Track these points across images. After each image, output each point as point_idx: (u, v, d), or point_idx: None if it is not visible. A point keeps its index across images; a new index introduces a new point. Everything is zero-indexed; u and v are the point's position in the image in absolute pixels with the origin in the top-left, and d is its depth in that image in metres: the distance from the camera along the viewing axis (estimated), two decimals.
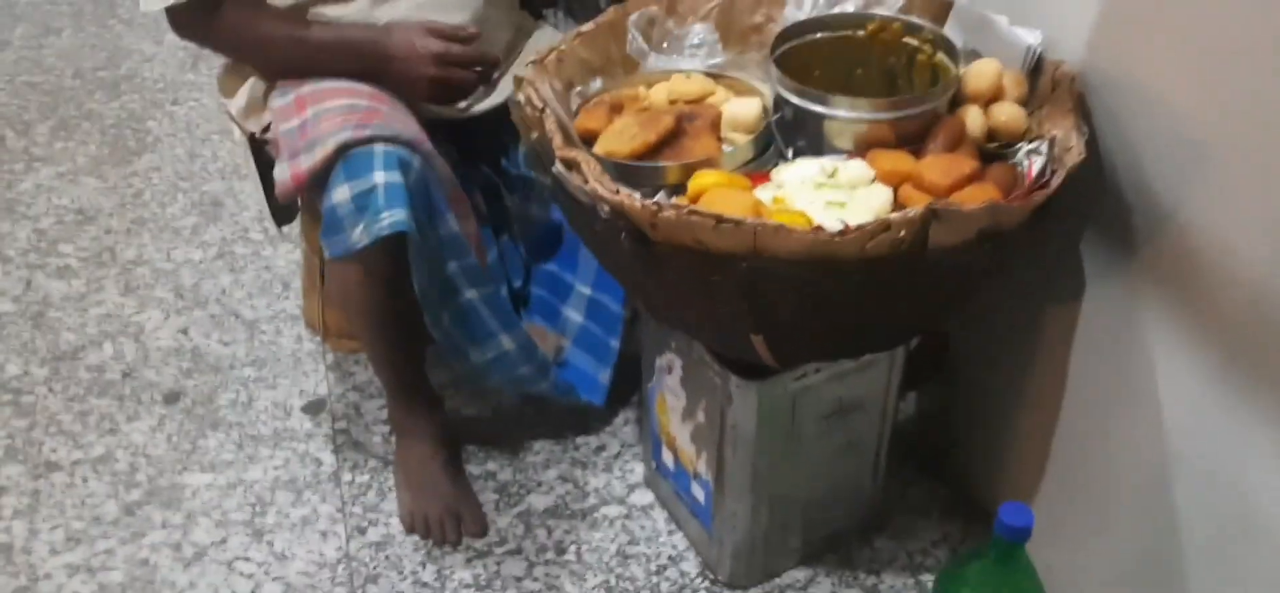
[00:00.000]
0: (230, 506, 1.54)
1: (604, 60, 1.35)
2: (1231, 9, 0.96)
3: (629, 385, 1.72)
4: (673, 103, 1.26)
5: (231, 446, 1.64)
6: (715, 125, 1.20)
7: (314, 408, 1.72)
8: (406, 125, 1.35)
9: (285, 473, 1.59)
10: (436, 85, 1.41)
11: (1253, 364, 1.01)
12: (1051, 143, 1.08)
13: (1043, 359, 1.32)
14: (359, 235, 1.27)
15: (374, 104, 1.36)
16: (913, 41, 1.28)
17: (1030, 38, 1.22)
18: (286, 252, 2.09)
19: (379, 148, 1.28)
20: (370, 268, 1.34)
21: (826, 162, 1.12)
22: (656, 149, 1.15)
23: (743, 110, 1.18)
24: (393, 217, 1.25)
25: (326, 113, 1.34)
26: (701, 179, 1.08)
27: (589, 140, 1.20)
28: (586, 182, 1.04)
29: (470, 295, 1.40)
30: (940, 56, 1.25)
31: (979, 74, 1.20)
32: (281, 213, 1.64)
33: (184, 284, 2.00)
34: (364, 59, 1.40)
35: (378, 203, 1.26)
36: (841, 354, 1.22)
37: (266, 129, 1.47)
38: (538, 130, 1.14)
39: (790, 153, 1.20)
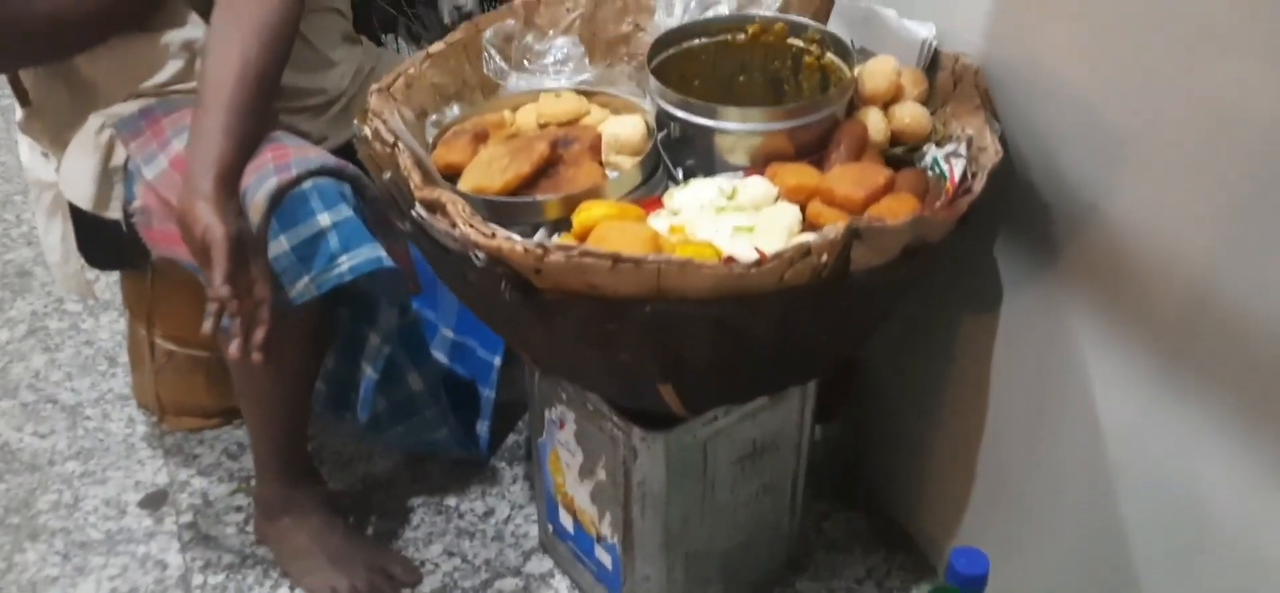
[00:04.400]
0: None
1: (459, 84, 1.20)
2: None
3: (508, 432, 1.58)
4: (544, 126, 1.11)
5: (55, 558, 1.41)
6: (595, 149, 1.06)
7: (154, 501, 1.51)
8: (318, 152, 1.19)
9: (124, 583, 1.38)
10: None
11: (1196, 364, 0.93)
12: (969, 143, 0.98)
13: (961, 373, 1.24)
14: (304, 288, 1.13)
15: (272, 136, 1.18)
16: (798, 42, 1.17)
17: (923, 31, 1.14)
18: (110, 321, 1.85)
19: (310, 185, 1.13)
20: (302, 326, 1.20)
21: (724, 182, 1.00)
22: (532, 181, 1.00)
23: (625, 130, 1.05)
24: (354, 259, 1.12)
25: None
26: (588, 212, 0.94)
27: (451, 176, 1.05)
28: (455, 225, 0.89)
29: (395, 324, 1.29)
30: (830, 57, 1.15)
31: (876, 74, 1.10)
32: (102, 256, 1.43)
33: None
34: None
35: (330, 247, 1.12)
36: (758, 393, 1.10)
37: (130, 208, 1.26)
38: (391, 168, 0.98)
39: (680, 173, 1.08)
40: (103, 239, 1.37)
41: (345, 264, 1.12)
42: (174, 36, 1.24)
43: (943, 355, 1.26)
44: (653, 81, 1.08)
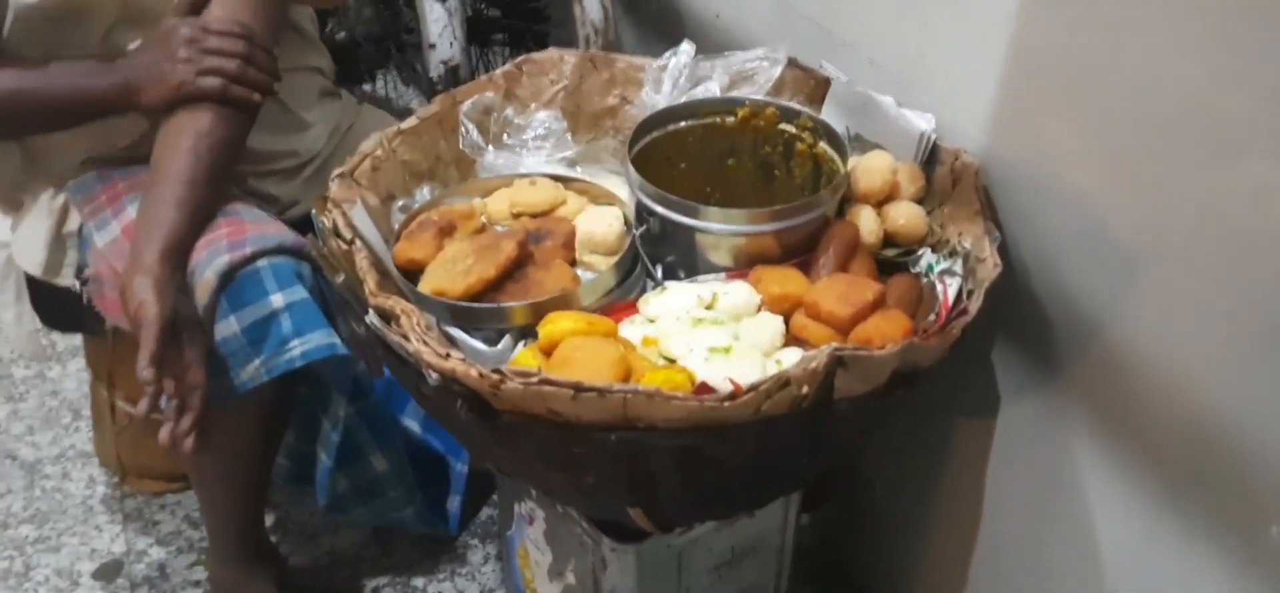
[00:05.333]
0: None
1: (432, 161, 1.14)
2: (1166, 90, 0.82)
3: (482, 506, 1.52)
4: (516, 216, 1.05)
5: None
6: (568, 245, 1.00)
7: (108, 572, 1.44)
8: (276, 228, 1.13)
9: None
10: (198, 84, 1.06)
11: (1202, 498, 0.87)
12: (965, 259, 0.92)
13: (955, 475, 1.18)
14: (253, 372, 1.06)
15: (230, 209, 1.12)
16: (789, 128, 1.11)
17: (922, 123, 1.07)
18: (77, 370, 1.78)
19: (264, 264, 1.06)
20: (255, 409, 1.13)
21: (703, 290, 0.94)
22: (498, 283, 0.94)
23: (600, 228, 0.99)
24: (306, 344, 1.06)
25: None
26: (554, 325, 0.87)
27: (413, 273, 0.98)
28: (408, 340, 0.83)
29: (346, 411, 1.21)
30: (822, 146, 1.09)
31: (870, 172, 1.04)
32: (60, 319, 1.36)
33: None
34: (106, 103, 1.11)
35: (282, 330, 1.05)
36: (735, 511, 1.04)
37: (82, 275, 1.20)
38: (346, 270, 0.92)
39: (659, 271, 1.01)
40: (60, 302, 1.31)
41: (297, 349, 1.06)
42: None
43: (938, 457, 1.19)
44: (633, 174, 1.01)
